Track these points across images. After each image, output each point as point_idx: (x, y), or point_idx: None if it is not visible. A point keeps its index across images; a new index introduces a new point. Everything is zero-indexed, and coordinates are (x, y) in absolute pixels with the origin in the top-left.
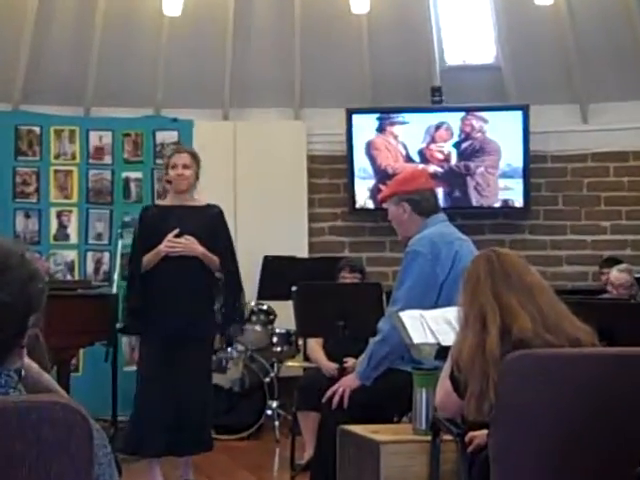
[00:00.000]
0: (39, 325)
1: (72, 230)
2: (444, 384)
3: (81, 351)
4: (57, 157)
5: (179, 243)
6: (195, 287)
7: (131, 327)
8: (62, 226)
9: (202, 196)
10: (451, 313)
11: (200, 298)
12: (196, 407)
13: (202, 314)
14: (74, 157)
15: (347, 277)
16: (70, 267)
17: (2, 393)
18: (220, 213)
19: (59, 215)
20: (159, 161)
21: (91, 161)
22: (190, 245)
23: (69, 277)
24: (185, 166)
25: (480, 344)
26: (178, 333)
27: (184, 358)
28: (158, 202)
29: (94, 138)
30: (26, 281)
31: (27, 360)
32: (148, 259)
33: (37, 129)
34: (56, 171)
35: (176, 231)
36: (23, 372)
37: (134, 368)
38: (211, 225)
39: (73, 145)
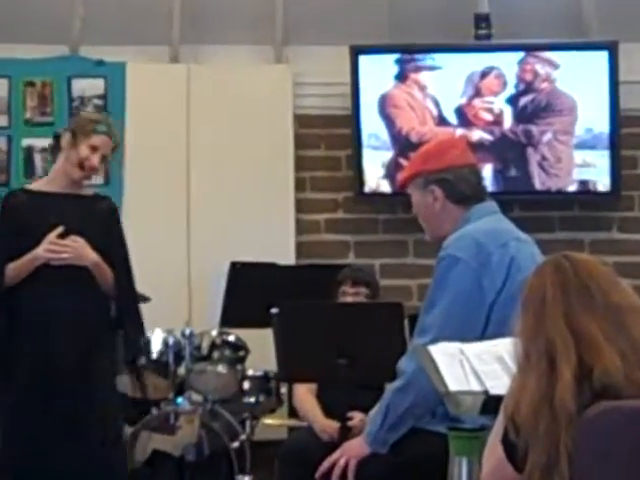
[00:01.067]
0: None
1: None
2: (494, 451)
3: None
4: None
5: (66, 246)
6: (86, 311)
7: None
8: None
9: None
10: (504, 347)
11: (93, 327)
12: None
13: (98, 349)
14: None
15: (348, 293)
16: None
17: None
18: (114, 209)
19: None
20: None
21: None
22: (80, 250)
23: None
24: (103, 158)
25: (547, 393)
26: (60, 379)
27: (70, 417)
28: (28, 186)
29: None
30: None
31: None
32: (17, 268)
33: None
34: None
35: (60, 229)
36: None
37: None
38: (102, 224)
39: None
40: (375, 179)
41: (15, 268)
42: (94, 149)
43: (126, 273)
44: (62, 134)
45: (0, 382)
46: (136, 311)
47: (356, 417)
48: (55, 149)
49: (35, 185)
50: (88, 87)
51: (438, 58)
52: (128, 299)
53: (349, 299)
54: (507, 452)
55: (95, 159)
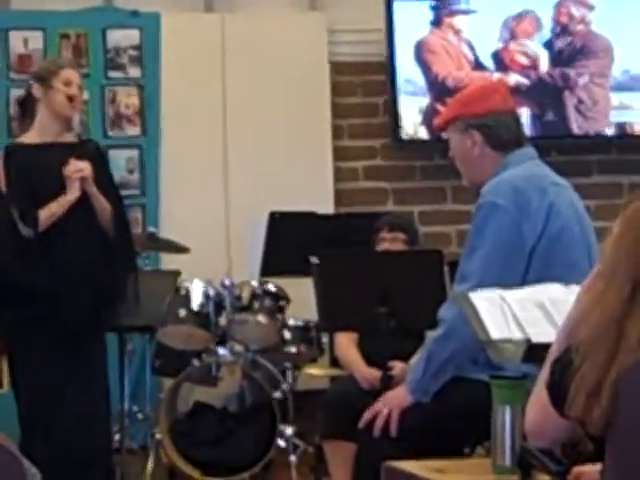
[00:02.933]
0: None
1: None
2: (538, 398)
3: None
4: None
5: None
6: (93, 248)
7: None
8: None
9: None
10: (546, 293)
11: (100, 265)
12: (102, 431)
13: (106, 288)
14: None
15: (386, 238)
16: None
17: None
18: (101, 151)
19: None
20: (114, 74)
21: (13, 76)
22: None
23: None
24: (80, 87)
25: (620, 319)
26: (82, 322)
27: (86, 359)
28: (20, 139)
29: (16, 41)
30: None
31: None
32: (51, 212)
33: None
34: None
35: (73, 165)
36: None
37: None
38: (93, 166)
39: None
40: (412, 125)
41: (49, 213)
42: (68, 83)
43: (121, 208)
44: (30, 90)
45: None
46: (130, 249)
47: (397, 366)
48: (25, 106)
49: (26, 138)
50: (123, 38)
51: (473, 2)
52: (124, 238)
53: (386, 245)
54: (552, 397)
55: (74, 90)
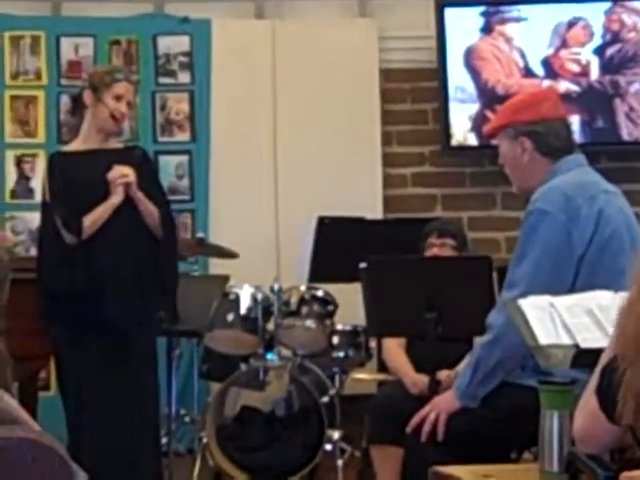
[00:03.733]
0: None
1: (38, 183)
2: (588, 403)
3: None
4: (15, 77)
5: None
6: (142, 252)
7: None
8: (23, 177)
9: None
10: (595, 300)
11: (149, 270)
12: (150, 434)
13: (155, 293)
14: (39, 76)
15: (435, 244)
16: (36, 237)
17: None
18: (147, 156)
19: (19, 161)
20: (164, 80)
21: (64, 82)
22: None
23: (34, 252)
24: (130, 104)
25: None
26: (128, 327)
27: (132, 363)
28: (65, 148)
29: (67, 48)
30: None
31: None
32: (96, 217)
33: None
34: (14, 97)
35: (117, 171)
36: None
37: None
38: (139, 171)
39: (37, 58)
40: (462, 132)
41: (94, 219)
42: (119, 98)
43: (169, 215)
44: (82, 93)
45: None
46: (174, 257)
47: (445, 372)
48: (76, 110)
49: (71, 146)
50: (173, 44)
51: (524, 9)
52: (170, 240)
53: (435, 250)
54: (601, 402)
55: (123, 107)
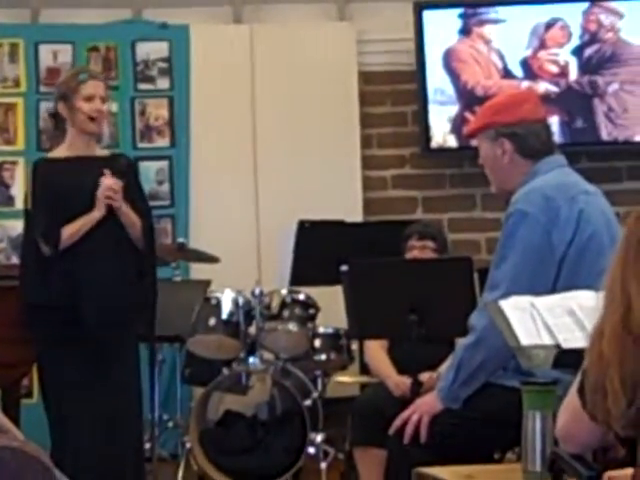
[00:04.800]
0: None
1: (18, 190)
2: (570, 403)
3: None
4: None
5: (115, 192)
6: (124, 262)
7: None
8: (3, 185)
9: None
10: (575, 300)
11: (131, 279)
12: (133, 440)
13: (137, 301)
14: (18, 84)
15: (415, 247)
16: (16, 244)
17: None
18: (132, 165)
19: None
20: (143, 86)
21: (43, 89)
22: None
23: (15, 259)
24: (103, 99)
25: (626, 323)
26: (108, 335)
27: (113, 370)
28: (50, 154)
29: (46, 54)
30: None
31: None
32: (74, 230)
33: None
34: None
35: (106, 183)
36: None
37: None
38: (124, 180)
39: (16, 66)
40: (442, 134)
41: (72, 230)
42: (90, 98)
43: (150, 227)
44: (57, 107)
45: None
46: (153, 265)
47: (427, 374)
48: (57, 124)
49: (56, 153)
50: (152, 50)
51: (502, 11)
52: (149, 251)
53: (416, 253)
54: (583, 401)
55: (96, 105)
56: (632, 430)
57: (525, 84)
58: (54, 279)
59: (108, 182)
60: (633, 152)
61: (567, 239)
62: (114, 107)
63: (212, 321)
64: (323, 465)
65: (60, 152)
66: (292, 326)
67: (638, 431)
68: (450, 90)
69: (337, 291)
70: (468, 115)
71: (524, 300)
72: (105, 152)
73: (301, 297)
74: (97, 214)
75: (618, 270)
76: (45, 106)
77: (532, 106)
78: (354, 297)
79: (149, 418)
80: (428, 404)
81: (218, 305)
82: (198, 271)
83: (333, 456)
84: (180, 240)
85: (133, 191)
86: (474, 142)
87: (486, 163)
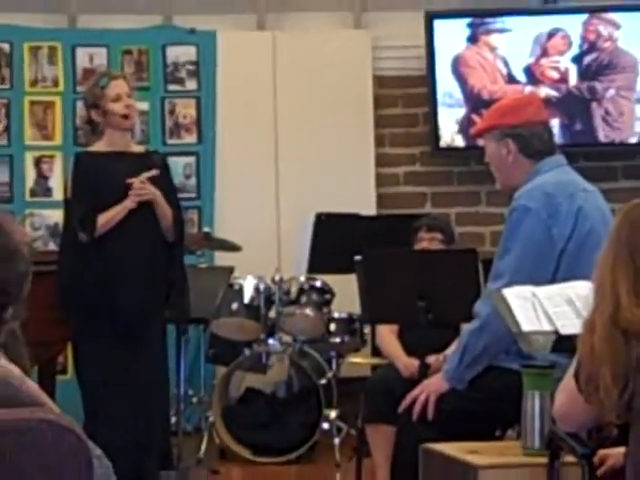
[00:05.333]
0: (20, 318)
1: (55, 182)
2: (567, 385)
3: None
4: (33, 84)
5: (147, 188)
6: (155, 250)
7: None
8: (42, 177)
9: None
10: (573, 290)
11: (161, 266)
12: (160, 414)
13: (165, 286)
14: (56, 83)
15: (424, 238)
16: (53, 232)
17: None
18: (165, 161)
19: (37, 162)
20: (173, 87)
21: (80, 89)
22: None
23: (52, 246)
24: (128, 94)
25: (613, 316)
26: (139, 316)
27: (143, 349)
28: (90, 149)
29: (83, 57)
30: (3, 262)
31: (5, 362)
32: (109, 218)
33: (5, 46)
34: (32, 103)
35: (153, 172)
36: None
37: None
38: (159, 180)
39: (54, 67)
40: (450, 134)
41: (107, 218)
42: (118, 98)
43: (181, 220)
44: (90, 114)
45: (84, 325)
46: (181, 253)
47: (433, 358)
48: (94, 129)
49: (96, 147)
50: (181, 54)
51: (507, 21)
52: (179, 242)
53: (425, 244)
54: (579, 384)
55: (125, 102)
56: (624, 417)
57: (528, 89)
58: (90, 264)
59: (149, 187)
60: (628, 153)
61: (566, 234)
62: (145, 106)
63: (235, 305)
64: (336, 440)
65: (99, 147)
66: (309, 311)
67: (629, 417)
68: (458, 94)
69: (351, 279)
70: (475, 117)
71: (526, 289)
72: (140, 148)
73: (318, 284)
74: (129, 204)
75: (607, 269)
76: (81, 105)
77: (535, 109)
78: (367, 285)
79: (175, 394)
80: (435, 384)
81: (240, 290)
82: (222, 259)
83: (346, 432)
84: (205, 230)
85: (166, 185)
86: (480, 142)
87: (492, 161)
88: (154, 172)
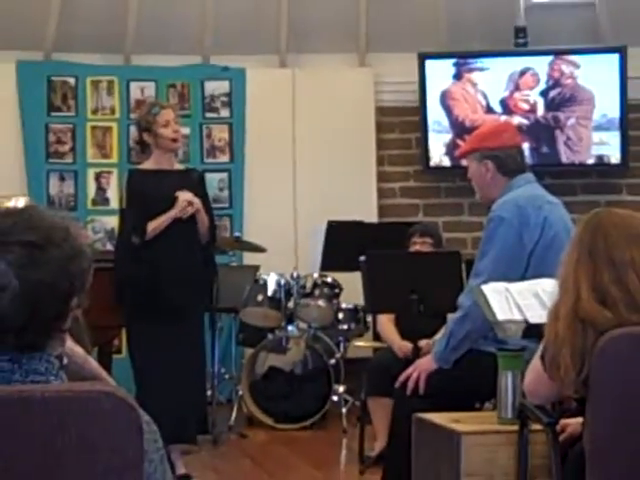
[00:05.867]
0: (83, 307)
1: (112, 193)
2: (535, 366)
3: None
4: (94, 112)
5: (192, 202)
6: (194, 251)
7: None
8: (101, 189)
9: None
10: (540, 286)
11: (199, 264)
12: (197, 387)
13: (203, 281)
14: (113, 111)
15: (417, 242)
16: (110, 235)
17: (42, 381)
18: (202, 177)
19: (97, 177)
20: (210, 115)
21: (132, 116)
22: (197, 201)
23: (109, 247)
24: (175, 121)
25: (574, 308)
26: (180, 306)
27: (184, 333)
28: (141, 166)
29: (135, 90)
30: (69, 259)
31: (71, 344)
32: (157, 225)
33: (72, 80)
34: (93, 127)
35: (187, 195)
36: (65, 359)
37: (122, 356)
38: (196, 189)
39: (112, 98)
40: (438, 155)
41: (155, 225)
42: (167, 123)
43: (214, 230)
44: (142, 136)
45: (137, 312)
46: (214, 255)
47: (424, 342)
48: (144, 148)
49: (145, 165)
50: (217, 88)
51: (486, 61)
52: (211, 241)
53: (418, 247)
54: (543, 365)
55: (173, 127)
56: (581, 392)
57: (503, 118)
58: (140, 262)
59: (188, 196)
60: (585, 172)
61: (535, 239)
62: (187, 130)
63: (260, 297)
64: (344, 410)
65: (148, 165)
66: (321, 302)
67: (585, 392)
68: (445, 122)
69: (357, 276)
70: (459, 141)
71: (500, 285)
72: (181, 166)
73: (329, 280)
74: (173, 213)
75: (571, 268)
76: (134, 130)
77: (510, 135)
78: (370, 281)
79: (210, 371)
80: (425, 364)
81: (264, 285)
82: (249, 258)
83: (351, 403)
84: (236, 234)
85: (203, 197)
86: (464, 162)
87: (473, 179)
88: (187, 196)
